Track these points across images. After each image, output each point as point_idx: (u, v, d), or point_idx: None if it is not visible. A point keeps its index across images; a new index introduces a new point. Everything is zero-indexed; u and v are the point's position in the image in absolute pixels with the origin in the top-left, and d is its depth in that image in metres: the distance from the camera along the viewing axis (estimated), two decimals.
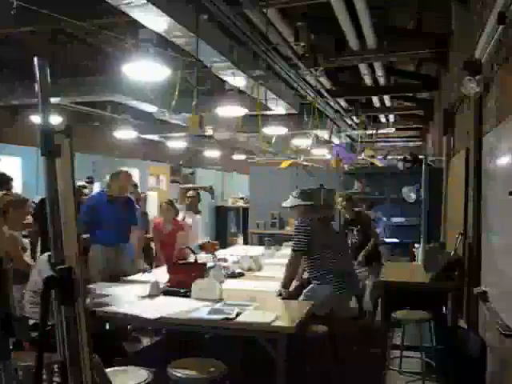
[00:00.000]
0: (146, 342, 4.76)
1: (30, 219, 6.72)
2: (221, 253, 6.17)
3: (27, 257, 3.95)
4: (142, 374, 2.76)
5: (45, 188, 1.51)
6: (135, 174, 10.99)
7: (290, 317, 3.25)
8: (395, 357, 4.51)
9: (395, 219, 8.85)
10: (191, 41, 4.01)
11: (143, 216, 6.37)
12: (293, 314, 3.32)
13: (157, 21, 3.62)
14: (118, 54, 5.42)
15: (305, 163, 11.34)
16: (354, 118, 9.47)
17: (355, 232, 5.93)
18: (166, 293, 3.82)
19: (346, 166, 9.78)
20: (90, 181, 7.60)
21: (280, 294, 3.84)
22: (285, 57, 5.43)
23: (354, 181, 9.50)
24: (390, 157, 12.18)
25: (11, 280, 2.53)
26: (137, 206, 5.61)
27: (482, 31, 2.95)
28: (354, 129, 9.97)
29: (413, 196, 8.05)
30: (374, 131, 10.50)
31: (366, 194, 9.11)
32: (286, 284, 3.94)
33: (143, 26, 3.80)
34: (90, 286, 3.87)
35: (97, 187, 8.29)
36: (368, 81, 7.29)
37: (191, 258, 4.61)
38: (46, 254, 3.24)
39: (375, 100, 8.82)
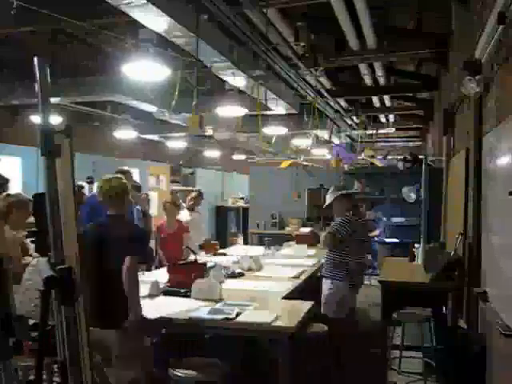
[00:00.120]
0: (146, 342, 4.75)
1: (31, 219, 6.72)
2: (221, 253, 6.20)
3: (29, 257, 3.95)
4: None
5: (45, 188, 1.51)
6: (135, 174, 11.00)
7: (290, 317, 3.25)
8: (395, 357, 4.52)
9: (395, 219, 8.86)
10: (191, 41, 4.00)
11: (143, 217, 6.35)
12: (293, 314, 3.31)
13: (157, 21, 3.62)
14: (118, 54, 5.42)
15: (305, 163, 11.34)
16: (354, 118, 9.46)
17: None
18: (166, 293, 3.82)
19: (345, 165, 9.78)
20: (90, 181, 7.59)
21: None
22: (285, 57, 5.43)
23: (354, 181, 9.50)
24: (390, 157, 12.18)
25: (11, 280, 2.52)
26: (137, 207, 5.63)
27: (482, 31, 2.95)
28: (354, 129, 9.97)
29: (413, 196, 8.05)
30: (374, 131, 10.50)
31: (366, 194, 9.12)
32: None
33: (143, 26, 3.80)
34: None
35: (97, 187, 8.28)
36: (368, 81, 7.28)
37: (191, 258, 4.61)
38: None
39: (375, 100, 8.82)
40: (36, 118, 6.95)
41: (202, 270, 4.20)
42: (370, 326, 5.42)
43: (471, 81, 3.17)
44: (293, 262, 5.47)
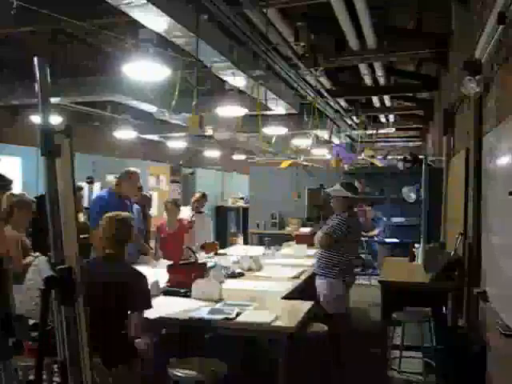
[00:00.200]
0: (146, 341, 4.75)
1: None
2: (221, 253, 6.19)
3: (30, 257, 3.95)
4: None
5: (45, 188, 1.51)
6: None
7: (289, 317, 3.25)
8: (395, 357, 4.52)
9: (395, 219, 8.86)
10: (191, 41, 4.00)
11: (143, 218, 6.36)
12: (293, 314, 3.31)
13: (157, 21, 3.62)
14: (118, 54, 5.42)
15: (305, 163, 11.33)
16: (354, 118, 9.46)
17: None
18: (166, 293, 3.82)
19: (346, 165, 9.78)
20: (90, 181, 7.59)
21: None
22: (285, 57, 5.43)
23: (354, 181, 9.49)
24: (390, 157, 12.18)
25: (11, 280, 2.53)
26: (137, 206, 5.62)
27: (482, 31, 2.95)
28: (354, 129, 9.97)
29: (413, 196, 8.05)
30: (374, 131, 10.49)
31: (366, 194, 9.12)
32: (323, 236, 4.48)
33: (143, 26, 3.79)
34: None
35: (97, 187, 8.29)
36: (368, 81, 7.28)
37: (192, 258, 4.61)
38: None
39: (375, 100, 8.82)
40: (36, 118, 6.95)
41: (202, 270, 4.20)
42: (369, 325, 5.42)
43: (471, 81, 3.17)
44: (293, 261, 5.48)
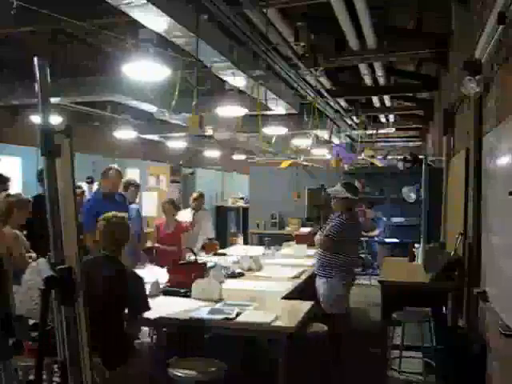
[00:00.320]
0: (146, 341, 4.76)
1: None
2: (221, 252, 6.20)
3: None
4: None
5: (45, 188, 1.51)
6: (135, 174, 10.99)
7: (289, 317, 3.25)
8: (395, 357, 4.52)
9: (395, 219, 8.87)
10: (191, 41, 4.00)
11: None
12: (293, 314, 3.32)
13: (157, 21, 3.62)
14: (118, 54, 5.42)
15: (305, 163, 11.33)
16: (354, 118, 9.46)
17: None
18: (166, 293, 3.82)
19: (346, 165, 9.78)
20: (90, 181, 7.58)
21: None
22: (285, 57, 5.43)
23: (354, 181, 9.49)
24: (390, 157, 12.17)
25: (11, 280, 2.53)
26: (133, 206, 5.64)
27: (482, 31, 2.95)
28: (354, 129, 9.96)
29: (413, 196, 8.05)
30: (374, 131, 10.49)
31: (366, 194, 9.13)
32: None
33: (143, 26, 3.79)
34: None
35: (96, 187, 8.28)
36: (368, 81, 7.28)
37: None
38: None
39: (375, 100, 8.81)
40: (36, 118, 6.95)
41: (202, 269, 4.20)
42: (369, 325, 5.42)
43: (471, 81, 3.17)
44: (293, 261, 5.48)
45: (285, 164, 11.27)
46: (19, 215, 3.97)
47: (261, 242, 8.45)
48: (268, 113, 6.85)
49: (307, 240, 6.75)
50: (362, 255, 9.55)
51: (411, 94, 8.95)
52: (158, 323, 3.31)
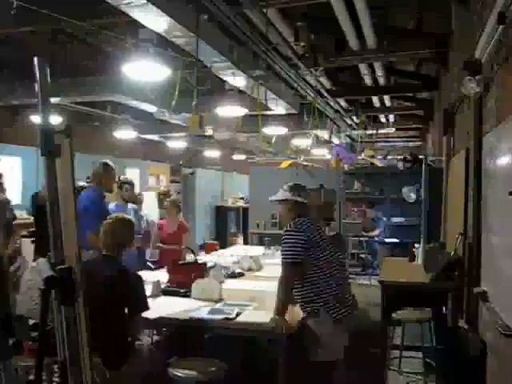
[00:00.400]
0: (146, 341, 4.76)
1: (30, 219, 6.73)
2: (220, 252, 6.20)
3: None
4: None
5: (45, 188, 1.51)
6: (135, 174, 11.00)
7: (290, 317, 3.25)
8: (395, 357, 4.52)
9: (395, 219, 8.86)
10: (191, 41, 4.00)
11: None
12: (293, 314, 3.31)
13: (157, 21, 3.62)
14: (118, 54, 5.42)
15: (305, 163, 11.33)
16: (354, 118, 9.46)
17: None
18: (166, 293, 3.82)
19: (346, 165, 9.78)
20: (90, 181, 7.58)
21: (276, 326, 2.98)
22: (285, 57, 5.43)
23: (354, 181, 9.51)
24: (389, 157, 12.17)
25: (11, 280, 2.53)
26: (132, 206, 5.63)
27: (482, 31, 2.95)
28: (354, 129, 9.96)
29: (413, 196, 8.04)
30: (374, 131, 10.49)
31: (366, 194, 9.13)
32: (280, 310, 3.06)
33: (143, 26, 3.79)
34: None
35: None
36: (368, 81, 7.28)
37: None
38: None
39: (375, 100, 8.82)
40: (36, 118, 6.95)
41: (202, 269, 4.20)
42: (370, 325, 5.42)
43: (471, 81, 3.16)
44: None
45: (285, 164, 11.27)
46: None
47: (261, 242, 8.46)
48: (268, 113, 6.85)
49: None
50: (362, 255, 9.56)
51: (411, 94, 8.95)
52: (158, 323, 3.31)
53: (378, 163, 10.97)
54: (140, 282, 3.02)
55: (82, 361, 1.50)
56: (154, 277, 4.09)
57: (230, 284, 4.24)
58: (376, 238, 9.22)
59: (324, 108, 7.71)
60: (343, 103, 8.68)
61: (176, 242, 5.63)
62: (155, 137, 10.32)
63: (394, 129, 10.84)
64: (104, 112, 8.21)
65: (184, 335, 3.73)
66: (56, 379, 2.95)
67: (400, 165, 8.55)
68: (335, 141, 9.79)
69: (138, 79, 4.57)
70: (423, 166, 6.10)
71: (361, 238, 9.52)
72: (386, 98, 8.76)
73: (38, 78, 1.50)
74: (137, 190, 7.87)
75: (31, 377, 2.76)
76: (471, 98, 3.57)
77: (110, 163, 4.62)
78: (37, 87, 1.51)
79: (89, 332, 1.52)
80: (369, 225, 9.44)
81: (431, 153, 8.55)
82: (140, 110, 7.67)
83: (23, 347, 2.43)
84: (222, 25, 4.25)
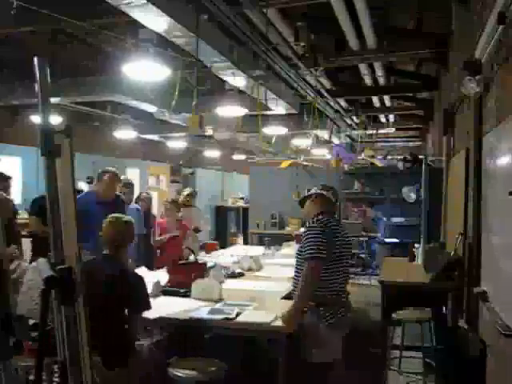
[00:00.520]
0: (145, 342, 4.76)
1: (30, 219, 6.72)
2: (221, 252, 6.20)
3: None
4: None
5: (45, 188, 1.51)
6: (135, 174, 11.00)
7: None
8: (395, 357, 4.52)
9: (395, 219, 8.87)
10: (191, 41, 4.00)
11: (144, 219, 6.37)
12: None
13: (157, 21, 3.62)
14: (118, 54, 5.42)
15: (305, 163, 11.33)
16: (354, 118, 9.46)
17: None
18: (166, 293, 3.82)
19: (346, 165, 9.79)
20: (90, 181, 7.59)
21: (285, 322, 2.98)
22: (285, 57, 5.43)
23: (354, 181, 9.52)
24: (389, 157, 12.17)
25: (11, 280, 2.52)
26: (133, 206, 5.63)
27: (482, 31, 2.95)
28: (354, 129, 9.96)
29: (413, 196, 8.05)
30: (374, 131, 10.49)
31: (366, 194, 9.14)
32: (299, 307, 3.03)
33: (143, 26, 3.79)
34: None
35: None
36: (368, 81, 7.28)
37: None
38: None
39: (375, 100, 8.82)
40: (36, 118, 6.95)
41: (202, 269, 4.20)
42: (370, 325, 5.42)
43: (471, 81, 3.16)
44: (293, 262, 5.45)
45: (285, 164, 11.27)
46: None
47: (261, 242, 8.46)
48: (268, 113, 6.85)
49: None
50: (362, 255, 9.57)
51: (411, 94, 8.95)
52: (158, 323, 3.31)
53: (378, 163, 10.97)
54: (141, 281, 3.02)
55: (82, 361, 1.50)
56: (153, 277, 4.09)
57: (229, 284, 4.24)
58: (376, 238, 9.23)
59: (324, 108, 7.71)
60: (343, 103, 8.68)
61: (176, 242, 5.63)
62: (155, 137, 10.32)
63: (393, 129, 10.84)
64: (104, 112, 8.21)
65: (184, 335, 3.73)
66: (56, 379, 2.95)
67: (400, 165, 8.55)
68: (335, 141, 9.79)
69: (138, 79, 4.57)
70: (423, 165, 6.10)
71: (361, 238, 9.52)
72: (386, 98, 8.76)
73: (37, 78, 1.50)
74: (137, 190, 7.89)
75: (31, 377, 2.76)
76: (471, 98, 3.57)
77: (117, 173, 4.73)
78: (37, 87, 1.51)
79: (89, 332, 1.52)
80: (369, 225, 9.45)
81: (431, 153, 8.55)
82: (140, 110, 7.68)
83: (23, 347, 2.43)
84: (222, 25, 4.25)
